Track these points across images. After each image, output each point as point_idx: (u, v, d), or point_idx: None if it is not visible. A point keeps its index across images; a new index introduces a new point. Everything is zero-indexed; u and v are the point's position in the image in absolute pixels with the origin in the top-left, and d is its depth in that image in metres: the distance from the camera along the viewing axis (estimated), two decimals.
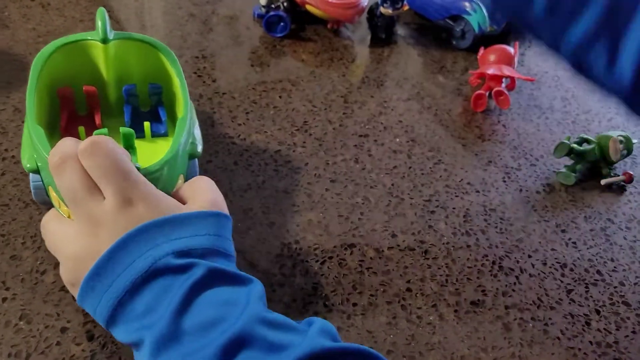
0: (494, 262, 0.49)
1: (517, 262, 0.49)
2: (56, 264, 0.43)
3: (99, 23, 0.46)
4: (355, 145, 0.59)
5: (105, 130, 0.38)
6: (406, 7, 0.76)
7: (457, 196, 0.55)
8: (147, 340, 0.30)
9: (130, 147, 0.40)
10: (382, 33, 0.77)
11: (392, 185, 0.55)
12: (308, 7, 0.74)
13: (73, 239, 0.35)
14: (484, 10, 0.74)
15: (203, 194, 0.38)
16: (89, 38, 0.47)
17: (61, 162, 0.35)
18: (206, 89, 0.63)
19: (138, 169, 0.37)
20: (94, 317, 0.34)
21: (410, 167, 0.57)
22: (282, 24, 0.73)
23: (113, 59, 0.48)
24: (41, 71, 0.44)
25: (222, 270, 0.33)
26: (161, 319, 0.31)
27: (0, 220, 0.45)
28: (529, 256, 0.50)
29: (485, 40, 0.76)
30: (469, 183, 0.57)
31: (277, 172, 0.54)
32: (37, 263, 0.43)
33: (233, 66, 0.67)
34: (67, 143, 0.36)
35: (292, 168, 0.55)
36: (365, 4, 0.75)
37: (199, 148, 0.46)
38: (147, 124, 0.48)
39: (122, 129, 0.40)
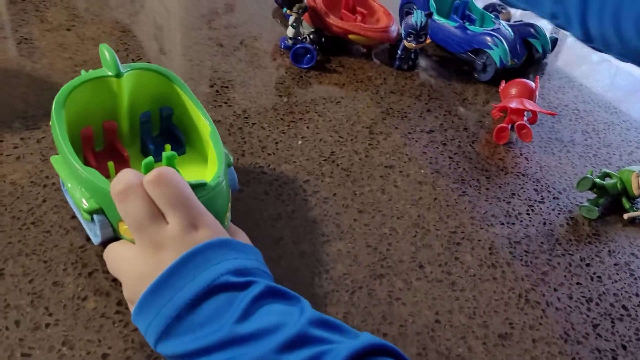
0: (520, 295, 0.50)
1: (543, 295, 0.50)
2: (96, 291, 0.44)
3: (108, 58, 0.48)
4: (382, 176, 0.60)
5: (173, 153, 0.43)
6: (429, 41, 0.78)
7: (482, 228, 0.56)
8: (212, 351, 0.33)
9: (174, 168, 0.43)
10: (404, 65, 0.79)
11: (418, 216, 0.56)
12: (351, 36, 0.76)
13: (135, 260, 0.38)
14: (506, 45, 0.76)
15: (244, 238, 0.44)
16: (103, 75, 0.49)
17: (125, 190, 0.38)
18: (236, 119, 0.65)
19: (204, 184, 0.41)
20: (144, 333, 0.36)
21: (435, 199, 0.58)
22: (308, 55, 0.75)
23: (126, 91, 0.50)
24: (62, 113, 0.46)
25: (278, 288, 0.37)
26: (222, 328, 0.34)
27: (43, 247, 0.47)
28: (555, 289, 0.51)
29: (506, 72, 0.78)
30: (493, 215, 0.58)
31: (306, 201, 0.56)
32: (78, 289, 0.44)
33: (262, 97, 0.69)
34: (128, 173, 0.39)
35: (321, 198, 0.56)
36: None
37: (231, 157, 0.50)
38: (168, 146, 0.52)
39: (166, 154, 0.43)
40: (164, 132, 0.54)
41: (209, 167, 0.50)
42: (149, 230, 0.37)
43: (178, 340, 0.35)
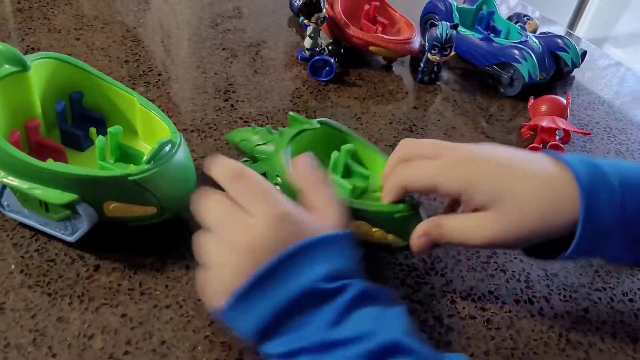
0: (560, 335, 0.46)
1: (585, 334, 0.46)
2: (104, 328, 0.41)
3: (5, 51, 0.46)
4: None
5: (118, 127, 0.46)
6: (453, 53, 0.74)
7: (515, 258, 0.52)
8: (302, 353, 0.34)
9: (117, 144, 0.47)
10: (427, 78, 0.76)
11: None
12: (371, 48, 0.73)
13: (229, 252, 0.36)
14: (535, 59, 0.72)
15: (326, 202, 0.40)
16: (10, 72, 0.46)
17: (240, 170, 0.39)
18: None
19: (169, 140, 0.44)
20: (241, 332, 0.36)
21: None
22: (327, 68, 0.72)
23: (35, 85, 0.48)
24: None
25: (372, 291, 0.36)
26: (315, 332, 0.34)
27: (47, 278, 0.43)
28: (597, 328, 0.47)
29: (533, 87, 0.74)
30: None
31: None
32: (84, 326, 0.40)
33: (279, 111, 0.65)
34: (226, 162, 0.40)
35: None
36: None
37: None
38: (93, 129, 0.49)
39: (111, 129, 0.46)
40: (78, 118, 0.52)
41: (146, 135, 0.51)
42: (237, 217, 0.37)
43: (279, 340, 0.35)
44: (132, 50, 0.72)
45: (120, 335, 0.40)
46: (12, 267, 0.44)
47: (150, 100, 0.50)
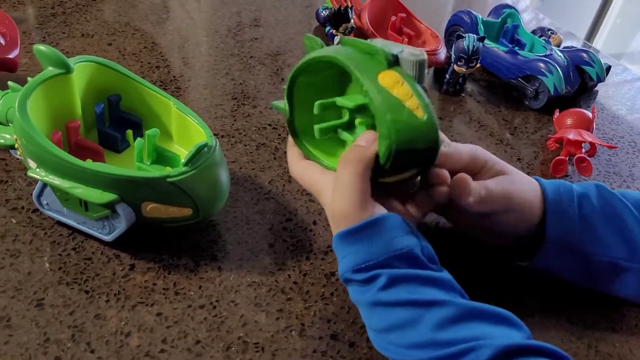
0: (589, 345, 0.46)
1: (614, 346, 0.46)
2: (140, 326, 0.41)
3: (50, 54, 0.47)
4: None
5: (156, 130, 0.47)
6: (479, 65, 0.75)
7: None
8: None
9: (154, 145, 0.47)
10: (451, 88, 0.76)
11: (477, 253, 0.53)
12: None
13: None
14: (560, 72, 0.72)
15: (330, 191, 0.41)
16: (55, 74, 0.47)
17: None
18: (281, 142, 0.62)
19: (205, 144, 0.44)
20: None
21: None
22: None
23: (77, 87, 0.49)
24: (30, 120, 0.44)
25: (403, 274, 0.38)
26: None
27: (84, 276, 0.44)
28: (626, 341, 0.47)
29: (557, 100, 0.74)
30: None
31: None
32: (121, 324, 0.41)
33: None
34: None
35: None
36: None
37: None
38: (129, 132, 0.51)
39: (148, 132, 0.46)
40: (115, 121, 0.53)
41: (180, 138, 0.52)
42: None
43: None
44: (162, 57, 0.73)
45: (156, 333, 0.41)
46: (51, 264, 0.44)
47: (182, 104, 0.51)
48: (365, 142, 0.40)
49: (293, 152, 0.46)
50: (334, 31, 0.73)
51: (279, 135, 0.63)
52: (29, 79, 0.47)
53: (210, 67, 0.73)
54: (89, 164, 0.43)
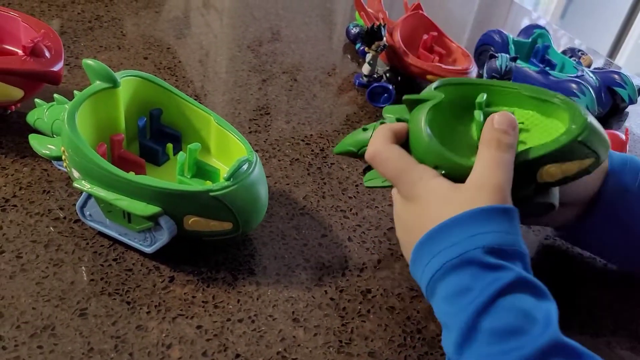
0: None
1: None
2: (181, 338, 0.42)
3: (102, 70, 0.48)
4: None
5: (197, 144, 0.47)
6: None
7: (583, 286, 0.52)
8: (452, 329, 0.36)
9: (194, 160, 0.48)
10: None
11: None
12: (429, 76, 0.74)
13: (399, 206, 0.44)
14: (593, 93, 0.72)
15: (482, 166, 0.40)
16: (102, 88, 0.48)
17: (372, 156, 0.44)
18: (314, 157, 0.62)
19: (247, 159, 0.46)
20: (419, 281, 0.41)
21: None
22: (385, 95, 0.73)
23: (122, 101, 0.50)
24: (79, 133, 0.45)
25: (528, 280, 0.36)
26: (463, 311, 0.35)
27: (125, 287, 0.45)
28: None
29: None
30: (584, 273, 0.54)
31: (391, 251, 0.53)
32: (162, 336, 0.42)
33: (339, 135, 0.67)
34: (375, 141, 0.44)
35: None
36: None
37: None
38: (170, 145, 0.52)
39: (190, 146, 0.47)
40: (156, 134, 0.54)
41: (219, 153, 0.53)
42: (400, 186, 0.43)
43: (436, 305, 0.39)
44: (196, 71, 0.74)
45: (196, 346, 0.41)
46: (93, 274, 0.45)
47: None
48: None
49: (385, 132, 0.44)
50: (366, 48, 0.74)
51: (312, 150, 0.64)
52: (76, 92, 0.48)
53: (244, 81, 0.74)
54: (134, 176, 0.43)
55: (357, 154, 0.49)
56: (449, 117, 0.44)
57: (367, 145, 0.46)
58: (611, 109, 0.77)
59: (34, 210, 0.50)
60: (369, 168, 0.50)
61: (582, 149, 0.40)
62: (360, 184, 0.60)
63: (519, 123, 0.43)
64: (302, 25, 0.92)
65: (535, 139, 0.42)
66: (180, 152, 0.48)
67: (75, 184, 0.45)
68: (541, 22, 1.11)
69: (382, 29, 0.73)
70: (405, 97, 0.45)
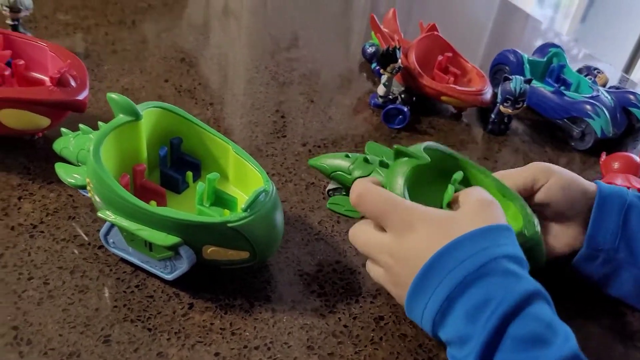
0: None
1: None
2: None
3: (125, 104, 0.50)
4: None
5: (216, 174, 0.49)
6: (525, 106, 0.76)
7: (589, 315, 0.53)
8: (475, 340, 0.37)
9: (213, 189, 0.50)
10: (497, 128, 0.77)
11: None
12: (443, 98, 0.75)
13: (388, 247, 0.43)
14: (608, 115, 0.73)
15: (468, 195, 0.44)
16: (125, 121, 0.50)
17: (358, 198, 0.45)
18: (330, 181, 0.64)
19: (264, 190, 0.47)
20: (420, 321, 0.41)
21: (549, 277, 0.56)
22: (400, 116, 0.74)
23: (143, 132, 0.52)
24: (103, 166, 0.47)
25: (543, 291, 0.39)
26: (489, 320, 0.36)
27: (147, 313, 0.46)
28: None
29: (603, 142, 0.74)
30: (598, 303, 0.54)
31: None
32: None
33: None
34: (358, 184, 0.45)
35: None
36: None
37: None
38: (189, 173, 0.54)
39: (209, 176, 0.49)
40: (176, 162, 0.56)
41: (237, 181, 0.54)
42: (392, 219, 0.43)
43: (454, 321, 0.38)
44: (215, 93, 0.76)
45: None
46: (116, 301, 0.47)
47: (234, 142, 0.53)
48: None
49: (369, 179, 0.48)
50: (381, 70, 0.75)
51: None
52: (100, 124, 0.50)
53: (261, 104, 0.76)
54: (155, 208, 0.45)
55: (329, 175, 0.51)
56: (423, 177, 0.49)
57: (340, 171, 0.50)
58: (626, 129, 0.77)
59: (60, 236, 0.52)
60: (334, 192, 0.52)
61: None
62: None
63: None
64: (319, 44, 0.93)
65: None
66: (200, 182, 0.50)
67: (100, 214, 0.47)
68: (556, 41, 1.11)
69: (397, 51, 0.74)
70: (396, 147, 0.48)
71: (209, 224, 0.45)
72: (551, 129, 0.80)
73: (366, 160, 0.50)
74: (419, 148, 0.49)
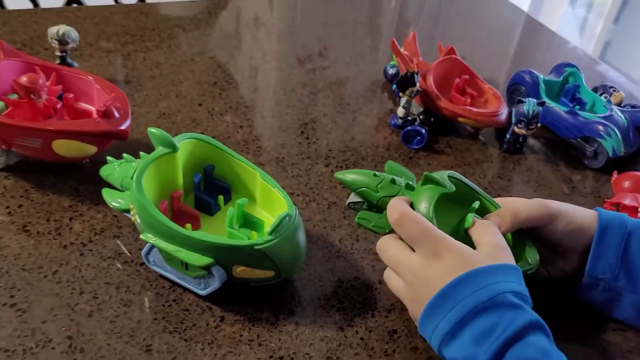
0: None
1: None
2: None
3: (164, 138, 0.56)
4: None
5: (244, 199, 0.55)
6: (539, 126, 0.79)
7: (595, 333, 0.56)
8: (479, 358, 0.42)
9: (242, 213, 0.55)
10: (512, 148, 0.80)
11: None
12: (460, 119, 0.79)
13: (417, 268, 0.48)
14: (619, 135, 0.75)
15: (487, 236, 0.50)
16: (163, 153, 0.56)
17: (400, 217, 0.50)
18: None
19: (287, 214, 0.52)
20: (429, 337, 0.47)
21: (556, 296, 0.59)
22: (418, 137, 0.78)
23: (180, 161, 0.58)
24: (144, 193, 0.53)
25: (544, 324, 0.45)
26: (492, 345, 0.42)
27: (183, 325, 0.52)
28: None
29: (617, 160, 0.77)
30: (603, 320, 0.57)
31: None
32: None
33: None
34: (397, 204, 0.51)
35: None
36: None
37: None
38: (221, 197, 0.60)
39: (238, 201, 0.54)
40: (210, 187, 0.61)
41: (264, 204, 0.60)
42: (425, 244, 0.48)
43: (461, 344, 0.44)
44: (245, 116, 0.82)
45: None
46: (156, 314, 0.53)
47: (261, 164, 0.58)
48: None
49: (404, 199, 0.53)
50: (401, 93, 0.79)
51: (349, 194, 0.69)
52: (142, 154, 0.56)
53: (287, 126, 0.81)
54: (191, 232, 0.51)
55: (353, 189, 0.56)
56: (444, 201, 0.53)
57: (367, 188, 0.55)
58: (639, 148, 0.79)
59: (107, 254, 0.58)
60: (354, 205, 0.57)
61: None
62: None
63: None
64: (342, 64, 0.98)
65: None
66: (230, 208, 0.55)
67: (142, 236, 0.53)
68: (578, 60, 1.13)
69: (415, 75, 0.78)
70: (425, 174, 0.53)
71: (238, 246, 0.50)
72: (566, 147, 0.83)
73: (393, 182, 0.55)
74: (443, 176, 0.54)
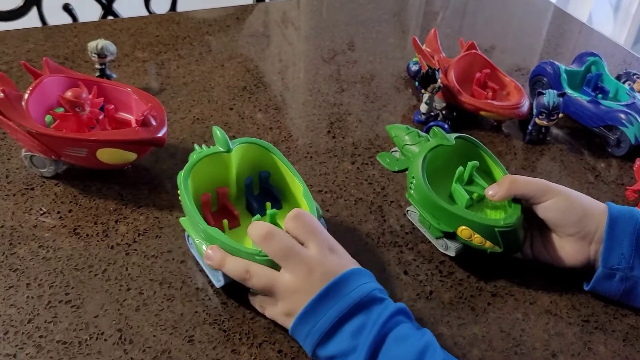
0: None
1: None
2: (268, 359, 0.53)
3: (220, 137, 0.60)
4: (514, 260, 0.64)
5: (275, 210, 0.56)
6: (561, 115, 0.80)
7: (616, 318, 0.58)
8: (360, 351, 0.47)
9: (275, 224, 0.56)
10: (534, 138, 0.82)
11: (551, 302, 0.59)
12: (482, 112, 0.82)
13: (291, 280, 0.51)
14: None
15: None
16: (217, 151, 0.60)
17: (268, 232, 0.52)
18: (376, 196, 0.72)
19: None
20: (303, 340, 0.50)
21: (567, 285, 0.61)
22: None
23: (234, 162, 0.62)
24: (188, 184, 0.58)
25: (405, 308, 0.51)
26: (370, 333, 0.47)
27: (222, 317, 0.56)
28: None
29: None
30: (627, 305, 0.59)
31: (442, 283, 0.61)
32: (252, 358, 0.53)
33: (397, 176, 0.75)
34: (259, 223, 0.53)
35: (456, 280, 0.61)
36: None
37: (320, 210, 0.62)
38: (268, 204, 0.63)
39: (269, 211, 0.56)
40: (263, 192, 0.65)
41: None
42: (298, 256, 0.51)
43: (339, 340, 0.48)
44: (274, 118, 0.85)
45: None
46: (197, 307, 0.57)
47: (291, 163, 0.62)
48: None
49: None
50: (423, 90, 0.82)
51: (374, 190, 0.73)
52: (196, 147, 0.62)
53: (314, 126, 0.84)
54: (204, 231, 0.55)
55: (392, 139, 0.69)
56: (446, 157, 0.64)
57: (397, 136, 0.68)
58: None
59: (150, 253, 0.63)
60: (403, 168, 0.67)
61: (496, 236, 0.58)
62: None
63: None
64: (367, 62, 1.01)
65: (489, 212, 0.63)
66: (258, 215, 0.57)
67: (181, 220, 0.59)
68: (607, 44, 1.13)
69: (437, 72, 0.80)
70: (433, 128, 0.66)
71: (248, 253, 0.53)
72: (589, 135, 0.84)
73: (418, 134, 0.67)
74: (452, 135, 0.64)
